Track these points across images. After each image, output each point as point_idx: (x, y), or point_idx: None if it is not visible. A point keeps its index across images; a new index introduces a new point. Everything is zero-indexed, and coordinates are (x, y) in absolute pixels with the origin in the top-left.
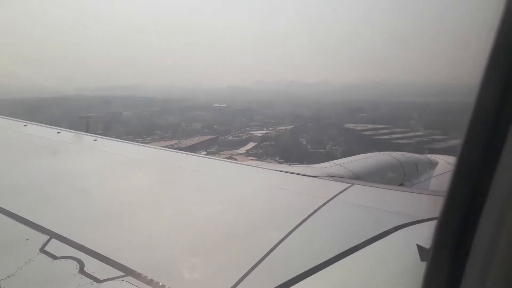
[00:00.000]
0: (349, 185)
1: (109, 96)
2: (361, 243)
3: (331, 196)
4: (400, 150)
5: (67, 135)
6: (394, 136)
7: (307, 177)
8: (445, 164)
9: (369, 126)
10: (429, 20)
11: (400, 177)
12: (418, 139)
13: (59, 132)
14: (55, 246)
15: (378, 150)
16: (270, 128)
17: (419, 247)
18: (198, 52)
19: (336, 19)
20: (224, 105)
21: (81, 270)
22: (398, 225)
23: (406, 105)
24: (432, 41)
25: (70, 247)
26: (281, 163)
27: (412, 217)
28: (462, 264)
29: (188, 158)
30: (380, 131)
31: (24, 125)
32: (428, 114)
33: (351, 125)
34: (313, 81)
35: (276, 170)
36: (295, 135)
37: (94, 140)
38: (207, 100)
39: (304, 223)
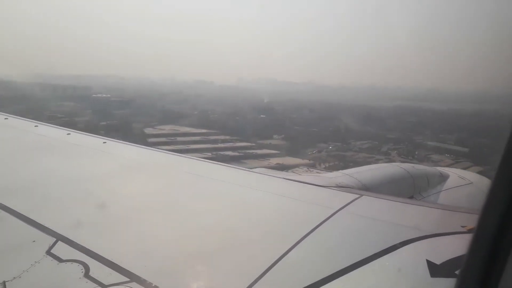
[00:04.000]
0: (357, 196)
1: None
2: (369, 256)
3: (339, 207)
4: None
5: (77, 136)
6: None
7: (316, 186)
8: (456, 177)
9: (194, 130)
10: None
11: (410, 190)
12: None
13: (69, 134)
14: (61, 249)
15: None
16: None
17: (429, 263)
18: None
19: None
20: (106, 95)
21: (86, 274)
22: (407, 240)
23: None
24: None
25: (76, 250)
26: None
27: (422, 232)
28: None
29: (191, 162)
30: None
31: (35, 126)
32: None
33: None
34: (298, 81)
35: (284, 178)
36: None
37: (104, 142)
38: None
39: (311, 234)
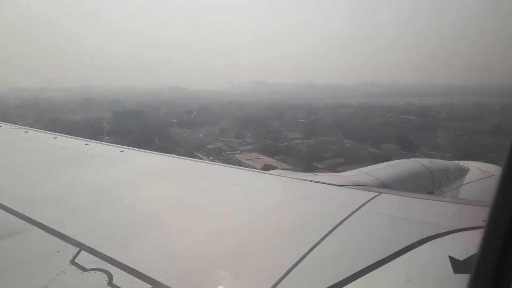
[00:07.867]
0: (376, 194)
1: None
2: (390, 255)
3: (357, 206)
4: None
5: (95, 146)
6: None
7: (333, 186)
8: (476, 170)
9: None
10: None
11: (430, 185)
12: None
13: (87, 144)
14: (85, 258)
15: None
16: None
17: (452, 259)
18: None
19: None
20: None
21: (110, 283)
22: (429, 236)
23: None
24: None
25: (99, 259)
26: None
27: (443, 227)
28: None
29: (204, 166)
30: None
31: (54, 137)
32: None
33: None
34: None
35: (300, 179)
36: None
37: (121, 151)
38: None
39: (330, 234)
